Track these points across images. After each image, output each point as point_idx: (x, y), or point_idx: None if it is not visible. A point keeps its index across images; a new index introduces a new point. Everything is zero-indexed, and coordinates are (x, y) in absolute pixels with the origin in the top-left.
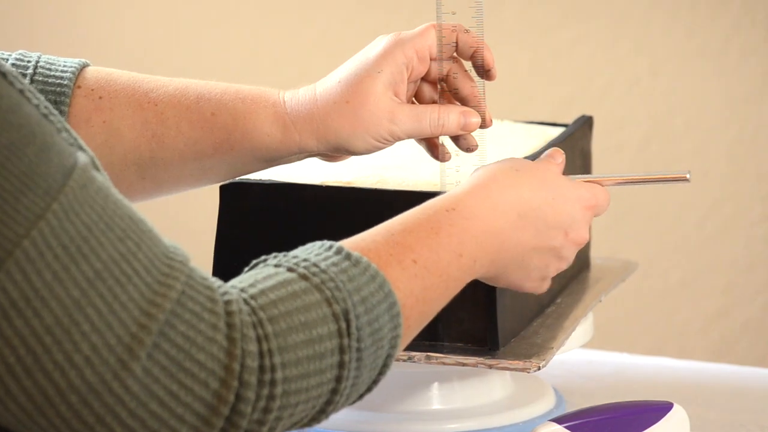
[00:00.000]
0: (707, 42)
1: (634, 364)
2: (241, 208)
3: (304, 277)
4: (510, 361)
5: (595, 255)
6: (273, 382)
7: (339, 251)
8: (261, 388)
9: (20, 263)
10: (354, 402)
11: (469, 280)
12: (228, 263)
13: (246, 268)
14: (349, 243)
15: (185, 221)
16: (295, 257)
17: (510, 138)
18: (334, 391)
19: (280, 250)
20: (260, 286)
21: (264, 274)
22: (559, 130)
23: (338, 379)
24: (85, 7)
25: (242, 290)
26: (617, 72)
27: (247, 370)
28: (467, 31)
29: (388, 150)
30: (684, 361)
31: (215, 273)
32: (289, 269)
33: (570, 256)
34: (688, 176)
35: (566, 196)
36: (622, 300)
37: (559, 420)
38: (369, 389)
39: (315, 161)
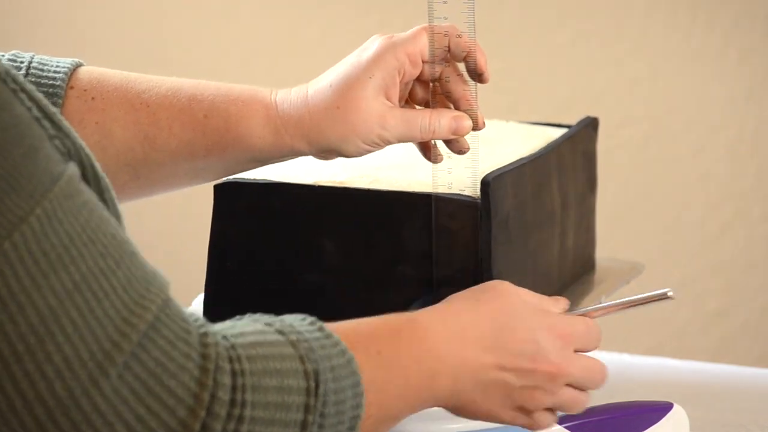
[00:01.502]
0: (707, 42)
1: (634, 364)
2: (235, 207)
3: (280, 332)
4: None
5: (599, 256)
6: (241, 419)
7: (313, 323)
8: (228, 422)
9: None
10: None
11: (430, 397)
12: (222, 262)
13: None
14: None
15: (179, 220)
16: (271, 317)
17: (512, 138)
18: None
19: (273, 250)
20: (240, 329)
21: (242, 322)
22: (562, 131)
23: None
24: (82, 5)
25: (222, 329)
26: (617, 72)
27: (218, 402)
28: (459, 36)
29: (381, 150)
30: (684, 361)
31: (209, 273)
32: (267, 324)
33: (552, 388)
34: (669, 293)
35: (529, 324)
36: None
37: (559, 420)
38: None
39: (309, 159)
